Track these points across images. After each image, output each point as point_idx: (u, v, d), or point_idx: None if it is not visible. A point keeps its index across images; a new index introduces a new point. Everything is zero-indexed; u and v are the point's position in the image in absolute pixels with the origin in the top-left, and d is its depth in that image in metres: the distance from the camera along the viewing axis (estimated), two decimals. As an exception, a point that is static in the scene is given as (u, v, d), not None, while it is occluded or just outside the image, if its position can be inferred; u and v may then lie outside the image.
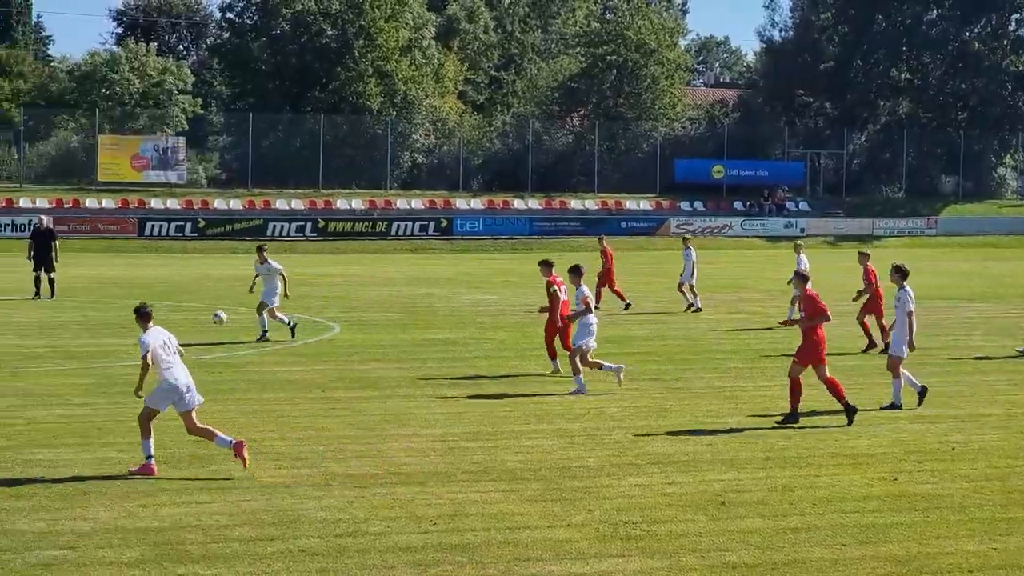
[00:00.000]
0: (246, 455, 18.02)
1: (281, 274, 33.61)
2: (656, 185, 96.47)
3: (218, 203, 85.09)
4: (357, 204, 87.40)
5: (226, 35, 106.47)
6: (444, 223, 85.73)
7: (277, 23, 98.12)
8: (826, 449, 20.18)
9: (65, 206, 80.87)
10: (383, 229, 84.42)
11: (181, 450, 19.26)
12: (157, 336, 18.11)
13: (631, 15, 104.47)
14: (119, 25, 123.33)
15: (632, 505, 16.58)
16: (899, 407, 23.62)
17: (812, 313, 22.35)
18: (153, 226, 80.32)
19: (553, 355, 27.96)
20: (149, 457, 17.99)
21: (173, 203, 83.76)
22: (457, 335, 34.77)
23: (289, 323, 33.25)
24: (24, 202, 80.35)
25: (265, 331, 33.03)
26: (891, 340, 24.55)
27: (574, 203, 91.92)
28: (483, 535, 15.18)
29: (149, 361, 17.81)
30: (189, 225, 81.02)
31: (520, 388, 25.77)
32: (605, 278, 42.43)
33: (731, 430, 21.58)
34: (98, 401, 23.69)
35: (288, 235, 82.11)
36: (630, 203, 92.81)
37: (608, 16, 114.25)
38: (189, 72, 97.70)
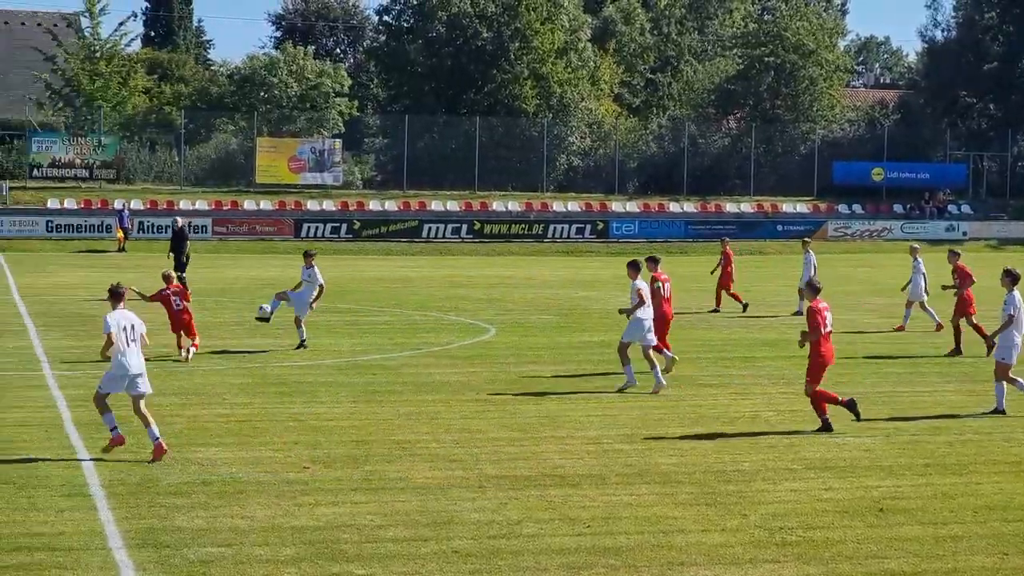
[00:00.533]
0: (162, 457, 18.70)
1: (321, 286, 32.02)
2: (814, 188, 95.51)
3: (373, 204, 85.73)
4: (513, 206, 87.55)
5: (382, 38, 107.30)
6: (600, 226, 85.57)
7: (433, 26, 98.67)
8: (988, 456, 19.78)
9: (224, 208, 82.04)
10: (539, 231, 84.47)
11: (336, 450, 19.40)
12: (119, 320, 18.84)
13: (789, 16, 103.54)
14: (277, 29, 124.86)
15: (788, 511, 16.38)
16: (1002, 412, 23.25)
17: (811, 327, 21.87)
18: (309, 227, 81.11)
19: (665, 348, 27.94)
20: (114, 429, 18.87)
21: (329, 205, 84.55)
22: (612, 338, 34.43)
23: (302, 340, 31.41)
24: (184, 204, 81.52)
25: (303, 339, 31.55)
26: (997, 345, 24.07)
27: (730, 206, 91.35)
28: (636, 538, 15.07)
29: (112, 339, 18.66)
30: (344, 226, 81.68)
31: (675, 390, 25.59)
32: (724, 280, 42.42)
33: (889, 436, 21.24)
34: (254, 401, 23.93)
35: (443, 237, 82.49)
36: (787, 206, 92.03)
37: (766, 17, 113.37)
38: (346, 75, 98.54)
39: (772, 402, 24.53)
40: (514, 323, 38.17)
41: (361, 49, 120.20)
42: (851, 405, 22.03)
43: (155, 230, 75.93)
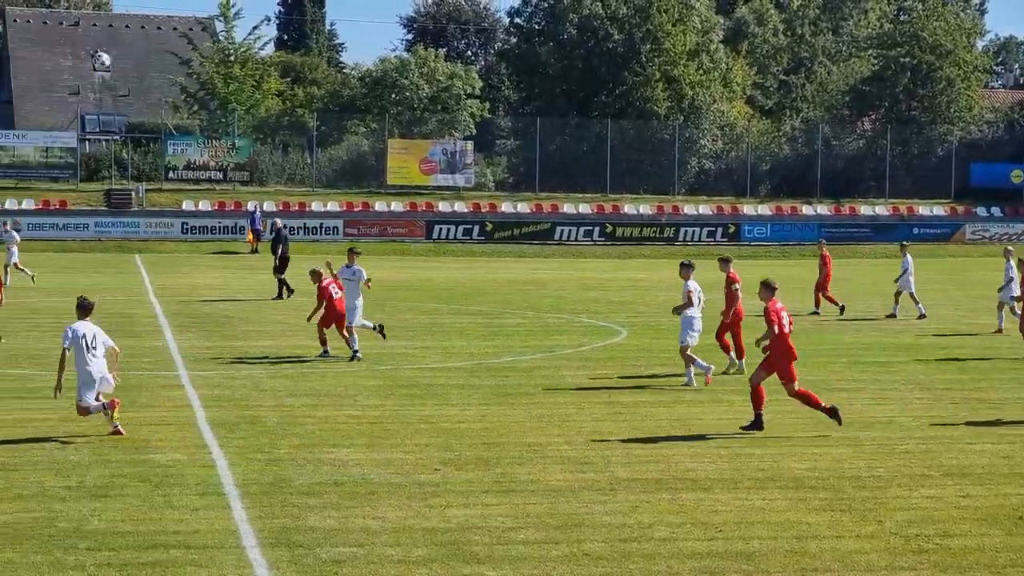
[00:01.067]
0: (116, 414, 20.28)
1: (367, 283, 30.94)
2: (951, 190, 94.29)
3: (505, 206, 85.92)
4: (644, 209, 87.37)
5: (514, 40, 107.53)
6: (732, 228, 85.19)
7: (564, 28, 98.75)
8: None
9: (355, 209, 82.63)
10: (671, 234, 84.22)
11: (467, 452, 19.39)
12: (79, 329, 20.11)
13: (926, 16, 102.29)
14: (409, 32, 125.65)
15: (924, 517, 16.11)
16: None
17: (768, 325, 21.46)
18: (441, 229, 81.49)
19: (727, 350, 28.58)
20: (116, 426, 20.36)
21: (461, 206, 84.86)
22: (744, 341, 34.26)
23: (354, 348, 29.92)
24: (316, 206, 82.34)
25: (356, 350, 29.95)
26: None
27: (864, 209, 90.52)
28: (770, 543, 14.90)
29: (66, 349, 20.04)
30: (476, 228, 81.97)
31: (808, 395, 25.33)
32: (822, 282, 42.03)
33: (1029, 442, 20.87)
34: (386, 403, 24.00)
35: (576, 239, 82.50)
36: (923, 209, 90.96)
37: (902, 17, 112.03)
38: (477, 77, 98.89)
39: (907, 408, 24.18)
40: (645, 326, 38.03)
41: (492, 51, 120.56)
42: (833, 413, 21.42)
43: (288, 231, 76.58)
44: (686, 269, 27.06)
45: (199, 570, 13.66)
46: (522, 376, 27.52)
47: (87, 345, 20.00)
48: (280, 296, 44.75)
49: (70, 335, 20.00)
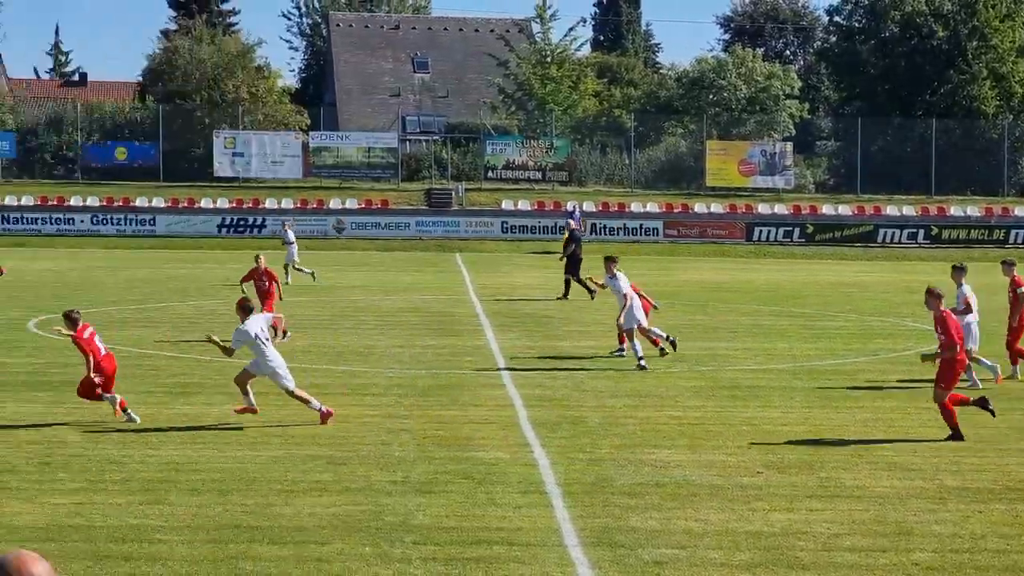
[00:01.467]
0: (329, 422, 20.98)
1: (625, 295, 28.84)
2: None
3: (826, 209, 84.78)
4: (972, 211, 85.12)
5: (833, 39, 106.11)
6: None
7: (886, 26, 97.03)
8: None
9: (675, 210, 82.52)
10: (1000, 237, 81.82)
11: (790, 456, 19.10)
12: (251, 329, 20.98)
13: None
14: (726, 31, 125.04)
15: None
16: None
17: (949, 335, 20.48)
18: (760, 231, 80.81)
19: (1016, 359, 27.34)
20: (250, 403, 21.14)
21: (780, 208, 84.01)
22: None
23: (637, 353, 28.24)
24: (635, 206, 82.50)
25: (640, 357, 28.17)
26: None
27: None
28: (1110, 559, 14.27)
29: (233, 348, 21.09)
30: (797, 231, 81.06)
31: None
32: None
33: None
34: (707, 404, 23.81)
35: (899, 242, 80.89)
36: None
37: None
38: (796, 77, 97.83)
39: None
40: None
41: (811, 50, 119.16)
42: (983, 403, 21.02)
43: (607, 232, 77.03)
44: (959, 273, 26.65)
45: (522, 567, 13.72)
46: (845, 379, 27.02)
47: (263, 340, 21.02)
48: (565, 296, 44.03)
49: (243, 338, 20.93)
